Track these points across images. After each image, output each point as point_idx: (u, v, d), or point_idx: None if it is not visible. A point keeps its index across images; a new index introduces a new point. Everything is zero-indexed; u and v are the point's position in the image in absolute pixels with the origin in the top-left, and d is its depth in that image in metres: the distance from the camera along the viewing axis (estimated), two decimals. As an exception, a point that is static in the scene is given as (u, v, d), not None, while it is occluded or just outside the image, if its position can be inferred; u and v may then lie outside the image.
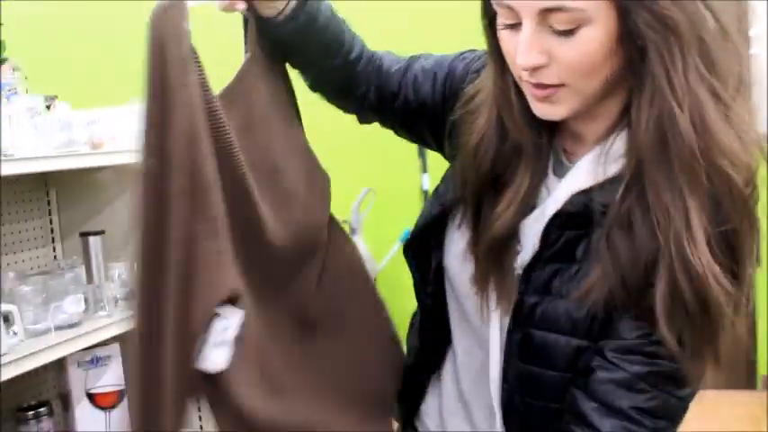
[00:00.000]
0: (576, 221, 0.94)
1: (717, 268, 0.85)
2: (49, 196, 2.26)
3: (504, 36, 0.93)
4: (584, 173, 0.95)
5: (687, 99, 0.87)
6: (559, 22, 0.86)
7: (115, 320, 1.91)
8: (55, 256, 2.26)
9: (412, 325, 1.20)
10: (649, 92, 0.88)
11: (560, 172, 1.00)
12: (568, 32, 0.86)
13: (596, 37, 0.86)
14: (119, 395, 1.97)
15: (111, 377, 1.96)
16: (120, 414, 1.97)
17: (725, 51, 0.90)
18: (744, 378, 3.05)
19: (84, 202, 2.25)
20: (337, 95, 1.17)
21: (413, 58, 1.16)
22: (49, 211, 2.26)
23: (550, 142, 1.01)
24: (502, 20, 0.92)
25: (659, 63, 0.86)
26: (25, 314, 1.78)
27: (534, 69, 0.89)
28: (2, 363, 1.61)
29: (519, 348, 0.98)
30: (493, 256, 1.01)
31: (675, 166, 0.86)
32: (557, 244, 0.96)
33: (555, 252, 0.96)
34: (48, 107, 2.00)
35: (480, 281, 1.02)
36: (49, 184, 2.26)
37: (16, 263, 2.13)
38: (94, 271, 1.92)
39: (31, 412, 1.86)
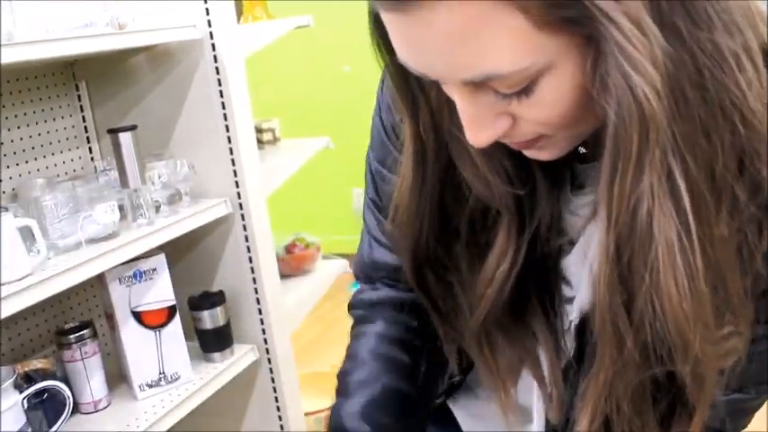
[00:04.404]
0: None
1: None
2: (79, 90, 2.00)
3: (444, 89, 0.65)
4: None
5: (622, 219, 0.59)
6: (501, 86, 0.59)
7: (157, 228, 1.67)
8: (92, 158, 2.02)
9: None
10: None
11: (583, 175, 0.73)
12: (521, 93, 0.59)
13: (564, 81, 0.58)
14: (168, 312, 1.74)
15: (157, 293, 1.72)
16: (172, 333, 1.75)
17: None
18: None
19: (120, 94, 1.99)
20: None
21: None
22: (81, 107, 2.01)
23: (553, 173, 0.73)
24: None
25: (609, 150, 0.58)
26: (53, 227, 1.54)
27: None
28: (27, 285, 1.39)
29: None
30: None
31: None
32: None
33: None
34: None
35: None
36: (77, 76, 1.99)
37: (47, 168, 1.90)
38: (129, 173, 1.66)
39: (73, 335, 1.65)
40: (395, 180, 0.84)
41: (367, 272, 0.94)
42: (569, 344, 0.78)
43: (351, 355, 0.92)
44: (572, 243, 0.75)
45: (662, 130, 0.55)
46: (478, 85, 0.59)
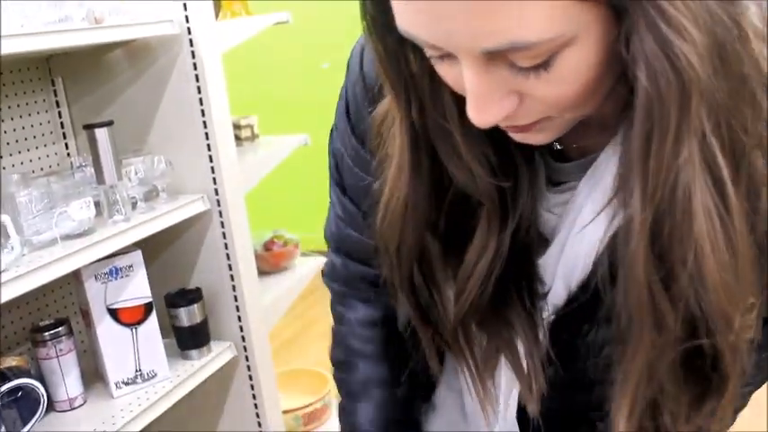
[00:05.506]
0: None
1: None
2: (55, 85, 1.98)
3: (441, 69, 0.62)
4: (607, 188, 0.64)
5: (660, 193, 0.56)
6: (521, 59, 0.55)
7: (134, 225, 1.66)
8: (68, 154, 2.00)
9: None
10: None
11: (558, 173, 0.73)
12: (540, 66, 0.55)
13: (585, 56, 0.55)
14: (144, 310, 1.73)
15: (134, 290, 1.71)
16: (148, 330, 1.74)
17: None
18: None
19: (96, 90, 1.97)
20: None
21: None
22: (57, 102, 1.99)
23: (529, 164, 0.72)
24: (428, 51, 0.61)
25: (641, 122, 0.55)
26: (28, 223, 1.53)
27: None
28: (1, 281, 1.38)
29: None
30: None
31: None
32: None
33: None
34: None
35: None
36: (53, 71, 1.97)
37: (22, 163, 1.88)
38: (105, 170, 1.65)
39: (48, 333, 1.64)
40: (350, 165, 0.85)
41: (338, 242, 0.95)
42: (542, 340, 0.77)
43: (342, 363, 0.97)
44: (545, 240, 0.74)
45: (704, 97, 0.53)
46: (495, 57, 0.55)
